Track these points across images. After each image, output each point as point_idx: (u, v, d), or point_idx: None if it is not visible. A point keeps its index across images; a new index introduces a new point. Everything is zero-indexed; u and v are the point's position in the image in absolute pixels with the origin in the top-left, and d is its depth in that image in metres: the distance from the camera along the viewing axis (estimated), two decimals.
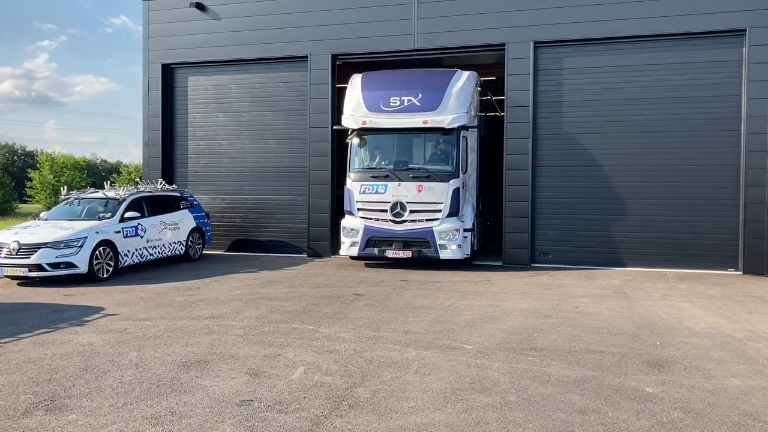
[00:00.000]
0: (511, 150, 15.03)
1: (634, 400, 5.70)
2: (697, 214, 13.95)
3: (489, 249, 16.84)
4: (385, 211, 13.57)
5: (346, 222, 14.00)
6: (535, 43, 14.83)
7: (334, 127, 14.97)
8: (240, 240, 17.51)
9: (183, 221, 15.19)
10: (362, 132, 13.96)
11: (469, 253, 13.79)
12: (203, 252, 16.08)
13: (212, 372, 6.46)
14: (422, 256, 13.44)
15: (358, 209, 13.83)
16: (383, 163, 14.01)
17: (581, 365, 6.80)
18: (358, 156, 14.09)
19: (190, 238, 15.38)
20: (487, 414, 5.37)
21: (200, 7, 17.23)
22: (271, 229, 17.24)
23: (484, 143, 16.11)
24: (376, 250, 13.64)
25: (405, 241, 13.51)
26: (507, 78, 15.08)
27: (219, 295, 10.86)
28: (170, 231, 14.67)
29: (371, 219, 13.69)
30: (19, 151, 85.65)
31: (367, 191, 13.71)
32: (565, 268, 14.23)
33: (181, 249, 15.06)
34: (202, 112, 17.84)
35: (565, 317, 9.21)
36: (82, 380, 6.19)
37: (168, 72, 17.98)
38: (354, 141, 14.06)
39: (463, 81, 13.87)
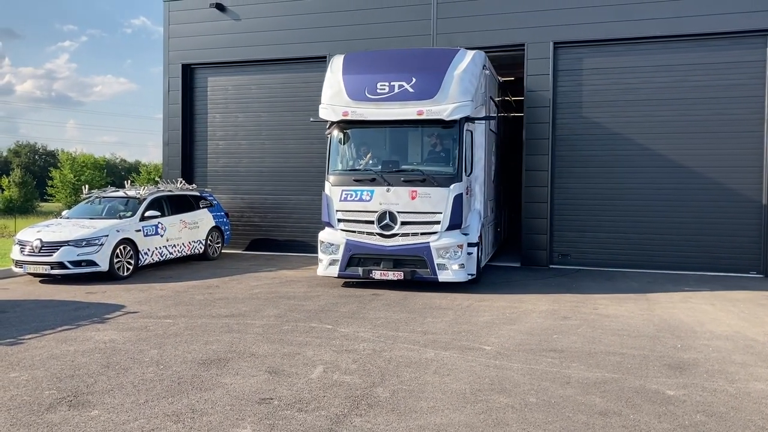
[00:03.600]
0: (530, 151, 14.95)
1: (656, 403, 5.65)
2: (719, 217, 13.78)
3: (503, 250, 16.75)
4: (371, 222, 11.14)
5: (324, 236, 11.59)
6: (554, 43, 14.75)
7: (310, 120, 12.62)
8: (259, 239, 17.60)
9: (202, 220, 15.29)
10: (343, 125, 11.62)
11: (474, 272, 11.46)
12: (222, 251, 16.17)
13: (232, 370, 6.50)
14: (416, 277, 11.07)
15: (339, 220, 11.43)
16: (369, 163, 11.61)
17: (601, 367, 6.75)
18: (338, 154, 11.75)
19: (210, 237, 15.48)
20: (507, 415, 5.36)
21: (220, 7, 17.34)
22: (290, 228, 17.31)
23: (494, 138, 14.21)
24: (360, 270, 11.23)
25: (396, 260, 11.15)
26: (526, 78, 15.02)
27: (238, 294, 10.92)
28: (190, 230, 14.77)
29: (354, 232, 11.32)
30: (41, 151, 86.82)
31: (349, 198, 11.32)
32: (584, 270, 14.13)
33: (201, 248, 15.15)
34: (222, 112, 17.95)
35: (585, 319, 9.15)
36: (104, 377, 6.26)
37: (188, 72, 18.11)
38: (333, 136, 11.74)
39: (467, 62, 11.51)
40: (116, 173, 67.04)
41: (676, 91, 14.02)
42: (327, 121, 11.75)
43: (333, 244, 11.41)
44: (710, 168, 13.82)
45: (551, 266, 14.71)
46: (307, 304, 10.04)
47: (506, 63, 16.21)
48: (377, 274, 11.16)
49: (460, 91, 11.06)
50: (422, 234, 11.06)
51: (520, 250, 15.23)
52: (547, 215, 14.79)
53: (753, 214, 13.64)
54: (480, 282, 11.95)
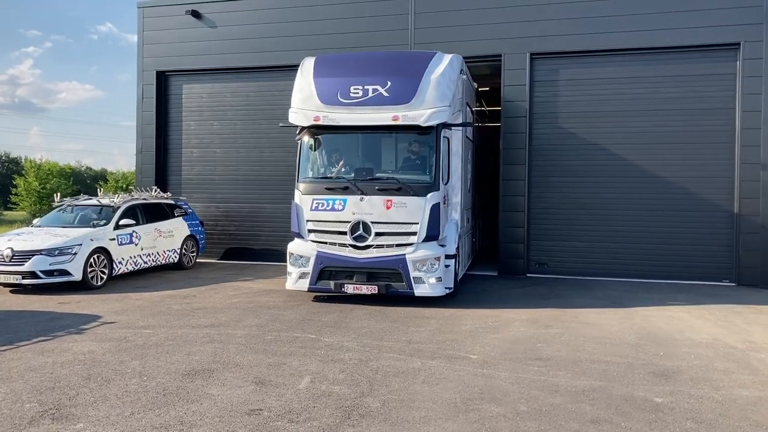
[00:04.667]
0: (507, 160, 15.05)
1: (645, 411, 5.69)
2: (692, 226, 14.02)
3: (479, 259, 16.80)
4: (344, 233, 10.65)
5: (294, 247, 11.04)
6: (531, 54, 14.90)
7: (280, 125, 12.16)
8: (234, 248, 17.39)
9: (177, 229, 15.07)
10: (314, 130, 11.09)
11: (451, 286, 10.99)
12: (197, 260, 15.95)
13: (218, 381, 6.39)
14: (391, 291, 10.56)
15: (309, 231, 10.89)
16: (341, 171, 11.09)
17: (588, 375, 6.79)
18: (309, 161, 11.23)
19: (185, 246, 15.25)
20: (500, 424, 5.34)
21: (196, 14, 17.18)
22: (266, 237, 17.14)
23: (470, 146, 14.06)
24: (331, 284, 10.68)
25: (369, 273, 10.65)
26: (503, 88, 15.14)
27: (217, 304, 10.76)
28: (165, 239, 14.54)
29: (325, 243, 10.80)
30: (3, 158, 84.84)
31: (320, 207, 10.80)
32: (561, 279, 14.24)
33: (175, 257, 14.92)
34: (197, 119, 17.75)
35: (566, 327, 9.21)
36: (86, 389, 6.09)
37: (163, 79, 17.88)
38: (304, 142, 11.24)
39: (444, 66, 11.12)
40: (82, 181, 65.81)
41: (649, 103, 14.26)
42: (297, 127, 11.23)
43: (303, 257, 10.87)
44: (684, 178, 14.06)
45: (528, 275, 14.79)
46: (288, 313, 9.93)
47: (482, 73, 16.34)
48: (350, 288, 10.61)
49: (437, 96, 10.65)
50: (398, 246, 10.59)
51: (497, 259, 15.30)
52: (525, 224, 14.89)
53: (725, 223, 13.90)
54: (458, 292, 11.80)
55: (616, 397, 6.05)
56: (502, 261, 15.09)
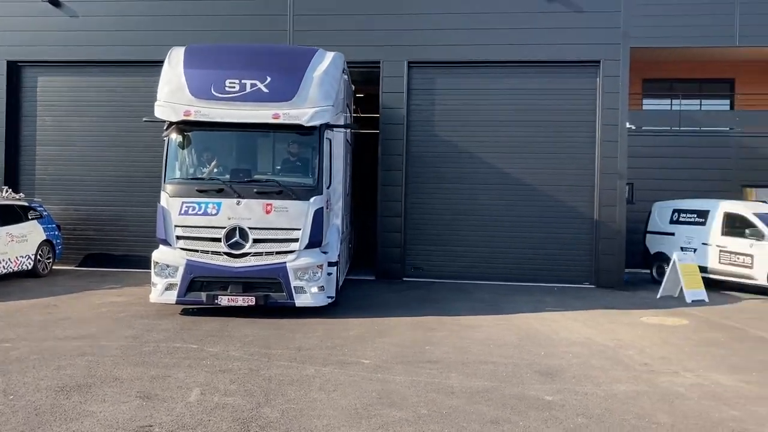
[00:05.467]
0: (385, 166, 15.19)
1: (539, 409, 5.88)
2: (559, 232, 14.85)
3: (352, 263, 16.82)
4: (218, 240, 9.76)
5: (159, 255, 10.01)
6: (409, 62, 15.15)
7: (144, 119, 10.83)
8: (94, 254, 16.20)
9: (31, 233, 13.80)
10: (184, 127, 10.10)
11: (333, 295, 10.54)
12: (53, 267, 14.69)
13: (97, 396, 5.86)
14: (270, 303, 9.88)
15: (178, 237, 9.87)
16: (215, 171, 10.26)
17: (479, 376, 6.93)
18: (177, 160, 10.24)
19: (40, 252, 14.00)
20: (404, 428, 5.30)
21: (54, 2, 15.89)
22: (130, 242, 16.10)
23: (350, 149, 13.63)
24: (203, 296, 9.76)
25: (246, 283, 9.86)
26: (382, 95, 15.27)
27: (83, 314, 9.94)
28: (17, 244, 13.27)
29: (197, 251, 9.84)
30: None
31: (190, 211, 9.81)
32: (437, 282, 14.52)
33: (30, 263, 13.66)
34: (54, 115, 16.39)
35: (450, 330, 9.39)
36: None
37: (14, 70, 16.36)
38: (172, 139, 10.18)
39: (327, 63, 10.59)
40: None
41: (521, 114, 14.96)
42: (164, 122, 10.20)
43: (170, 266, 9.83)
44: (551, 186, 14.86)
45: (405, 279, 14.98)
46: (164, 323, 9.35)
47: (356, 80, 16.36)
48: (224, 300, 9.75)
49: (320, 95, 10.10)
50: (278, 253, 9.90)
51: (374, 263, 15.38)
52: (402, 229, 15.08)
53: (587, 229, 14.85)
54: (340, 298, 11.44)
55: (509, 397, 6.20)
56: (379, 265, 15.18)
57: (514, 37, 14.76)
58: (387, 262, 15.12)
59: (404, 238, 15.14)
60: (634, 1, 15.36)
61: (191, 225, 9.85)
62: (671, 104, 22.78)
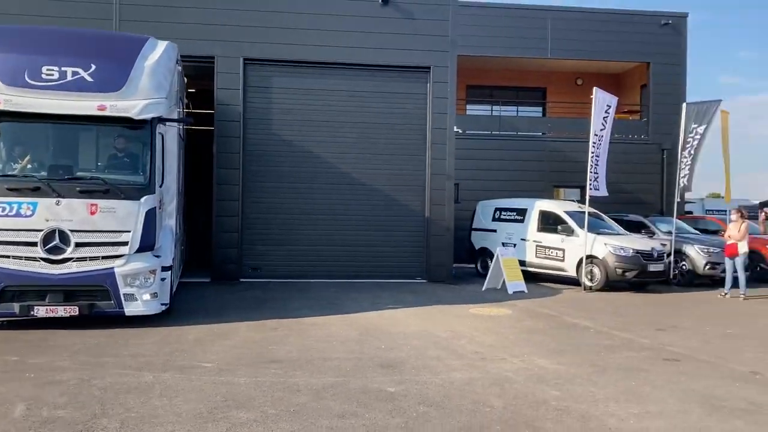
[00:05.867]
0: (221, 164, 14.86)
1: (383, 400, 6.10)
2: (394, 230, 15.43)
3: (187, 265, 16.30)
4: (34, 244, 8.72)
5: None
6: (245, 59, 14.95)
7: None
8: None
9: None
10: None
11: (167, 302, 9.84)
12: None
13: None
14: (96, 312, 9.02)
15: None
16: (28, 168, 9.13)
17: (323, 372, 7.04)
18: None
19: None
20: (253, 428, 5.28)
21: None
22: None
23: (183, 146, 13.01)
24: (16, 307, 8.67)
25: (68, 291, 8.91)
26: (216, 91, 14.92)
27: None
28: None
29: (7, 257, 8.73)
30: None
31: (1, 213, 8.76)
32: (276, 282, 14.46)
33: None
34: None
35: (291, 329, 9.42)
36: None
37: None
38: None
39: (160, 53, 9.90)
40: None
41: (357, 115, 15.33)
42: None
43: None
44: (387, 186, 15.39)
45: (242, 280, 14.76)
46: None
47: (190, 74, 15.82)
48: (41, 311, 8.70)
49: (152, 86, 9.38)
50: (104, 258, 9.03)
51: (209, 265, 15.00)
52: (239, 229, 14.85)
53: (419, 227, 15.57)
54: (175, 301, 10.88)
55: (354, 391, 6.38)
56: (215, 267, 14.84)
57: (349, 40, 15.08)
58: (223, 264, 14.81)
59: (241, 238, 14.93)
60: (460, 11, 16.29)
61: (1, 228, 8.72)
62: (492, 110, 24.49)
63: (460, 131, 19.43)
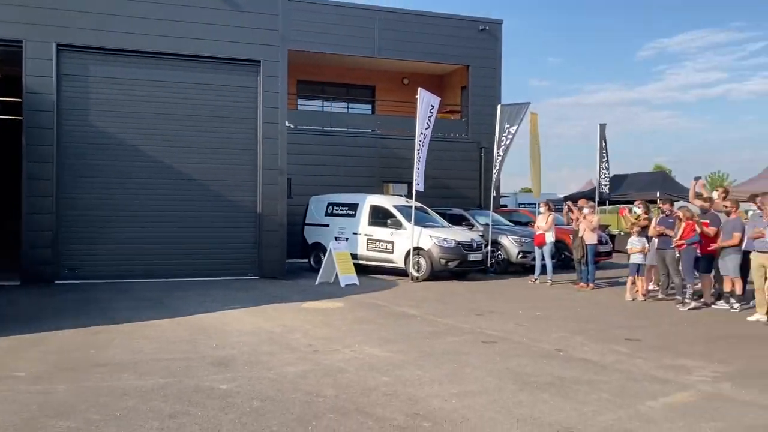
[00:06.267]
0: (31, 158, 13.70)
1: (216, 398, 6.04)
2: (225, 226, 15.12)
3: None
4: None
5: None
6: (58, 45, 13.90)
7: None
8: None
9: None
10: None
11: None
12: None
13: None
14: None
15: None
16: None
17: (153, 374, 6.81)
18: None
19: None
20: None
21: None
22: None
23: None
24: None
25: None
26: (25, 78, 13.72)
27: None
28: None
29: None
30: None
31: None
32: (98, 283, 13.61)
33: None
34: None
35: (117, 331, 8.99)
36: None
37: None
38: None
39: None
40: None
41: (185, 108, 14.82)
42: None
43: None
44: (217, 181, 15.05)
45: (58, 282, 13.73)
46: None
47: None
48: None
49: None
50: None
51: (17, 267, 13.80)
52: (54, 228, 13.79)
53: (250, 222, 15.40)
54: None
55: (185, 391, 6.24)
56: (25, 268, 13.67)
57: (175, 29, 14.57)
58: (36, 265, 13.68)
59: (57, 238, 13.88)
60: (291, 6, 16.31)
61: None
62: (323, 105, 24.76)
63: (292, 126, 19.48)
